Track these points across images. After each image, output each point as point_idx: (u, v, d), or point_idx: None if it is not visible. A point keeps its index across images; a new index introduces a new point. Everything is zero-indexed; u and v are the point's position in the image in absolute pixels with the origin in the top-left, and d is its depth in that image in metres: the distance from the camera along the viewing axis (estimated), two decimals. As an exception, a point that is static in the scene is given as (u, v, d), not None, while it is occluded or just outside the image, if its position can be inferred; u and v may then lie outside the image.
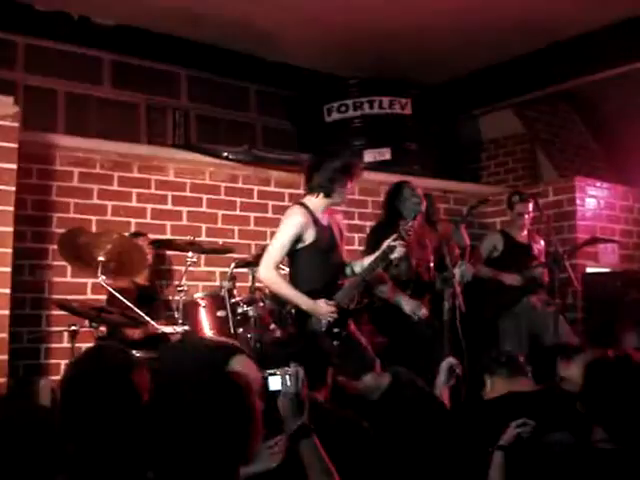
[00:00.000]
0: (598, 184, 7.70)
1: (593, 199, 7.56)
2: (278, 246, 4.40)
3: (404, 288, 5.30)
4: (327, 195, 4.44)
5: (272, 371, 2.73)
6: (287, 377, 2.60)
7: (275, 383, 2.64)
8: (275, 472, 2.43)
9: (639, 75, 7.53)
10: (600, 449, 2.55)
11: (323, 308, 4.29)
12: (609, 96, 8.56)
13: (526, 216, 6.39)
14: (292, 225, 4.39)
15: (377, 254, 4.51)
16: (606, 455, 2.51)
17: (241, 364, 3.38)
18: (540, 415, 3.12)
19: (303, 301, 4.31)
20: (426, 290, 5.52)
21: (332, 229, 4.56)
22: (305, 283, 4.38)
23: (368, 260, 4.58)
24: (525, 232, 6.46)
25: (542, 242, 6.56)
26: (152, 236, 5.75)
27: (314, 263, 4.42)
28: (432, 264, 5.68)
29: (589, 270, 7.11)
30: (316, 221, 4.44)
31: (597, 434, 2.58)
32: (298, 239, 4.39)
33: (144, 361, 2.30)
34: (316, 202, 4.47)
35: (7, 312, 4.66)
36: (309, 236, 4.40)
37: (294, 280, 4.44)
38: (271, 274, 4.38)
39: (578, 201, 7.37)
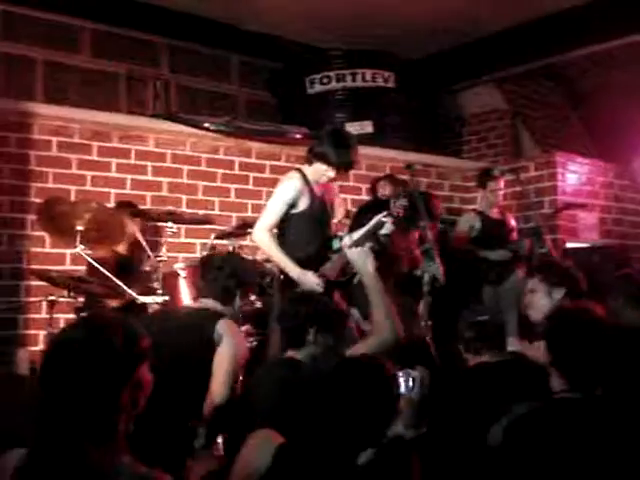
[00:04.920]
0: (579, 160, 7.74)
1: (573, 174, 7.59)
2: (272, 210, 4.42)
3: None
4: (320, 170, 4.41)
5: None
6: (411, 380, 2.54)
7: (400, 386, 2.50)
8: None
9: (620, 51, 7.54)
10: (560, 399, 2.59)
11: (310, 278, 4.29)
12: (591, 72, 8.57)
13: (499, 193, 6.42)
14: (287, 190, 4.40)
15: (366, 228, 4.51)
16: (566, 404, 2.55)
17: (226, 328, 3.40)
18: (506, 385, 3.14)
19: (292, 268, 4.30)
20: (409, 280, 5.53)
21: (325, 200, 4.57)
22: (292, 249, 4.37)
23: (357, 234, 4.59)
24: (497, 209, 6.49)
25: (512, 218, 6.59)
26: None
27: (304, 231, 4.43)
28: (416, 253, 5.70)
29: (569, 245, 7.15)
30: (311, 190, 4.45)
31: (556, 385, 2.62)
32: (292, 204, 4.40)
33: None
34: (312, 172, 4.47)
35: (-15, 282, 4.63)
36: (302, 203, 4.42)
37: (282, 245, 4.42)
38: (264, 236, 4.40)
39: (559, 176, 7.40)
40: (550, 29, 7.61)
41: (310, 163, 4.47)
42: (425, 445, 2.82)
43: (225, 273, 3.61)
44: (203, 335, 3.33)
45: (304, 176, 4.46)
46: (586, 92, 9.30)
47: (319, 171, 4.43)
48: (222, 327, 3.37)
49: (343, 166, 4.41)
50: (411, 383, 2.50)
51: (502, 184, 6.43)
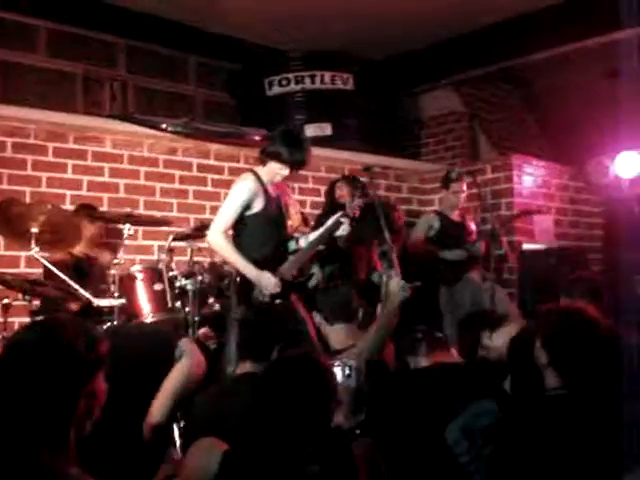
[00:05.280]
0: (534, 162, 7.84)
1: (529, 177, 7.69)
2: (227, 211, 4.39)
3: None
4: (274, 170, 4.41)
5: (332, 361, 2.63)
6: (347, 369, 2.54)
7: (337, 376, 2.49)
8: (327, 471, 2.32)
9: (576, 54, 7.64)
10: (554, 395, 2.65)
11: (268, 279, 4.28)
12: (547, 76, 8.67)
13: (461, 195, 6.49)
14: (242, 191, 4.38)
15: (322, 229, 4.55)
16: (560, 401, 2.61)
17: (188, 347, 3.40)
18: (466, 385, 3.19)
19: (249, 270, 4.28)
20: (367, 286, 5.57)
21: (280, 202, 4.57)
22: (248, 251, 4.35)
23: (313, 235, 4.61)
24: (458, 211, 6.56)
25: (472, 221, 6.67)
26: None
27: (259, 232, 4.42)
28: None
29: (525, 247, 7.24)
30: (266, 190, 4.44)
31: (551, 382, 2.67)
32: (247, 206, 4.38)
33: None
34: (266, 172, 4.45)
35: (-63, 285, 4.54)
36: (257, 204, 4.40)
37: (238, 246, 4.40)
38: (219, 238, 4.36)
39: (515, 178, 7.49)
40: (507, 34, 7.71)
41: (264, 164, 4.46)
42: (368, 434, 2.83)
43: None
44: (166, 351, 3.33)
45: (258, 177, 4.44)
46: (542, 94, 9.42)
47: (273, 170, 4.42)
48: (184, 346, 3.37)
49: (296, 164, 4.40)
50: (347, 372, 2.53)
51: (464, 186, 6.49)
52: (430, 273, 6.31)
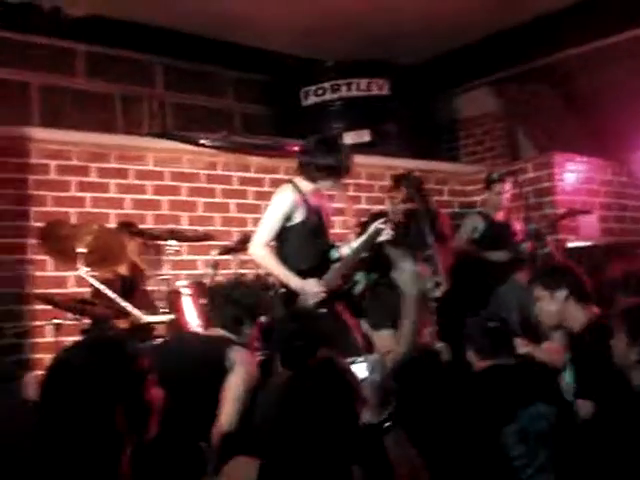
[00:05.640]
0: (577, 159, 7.72)
1: (572, 174, 7.58)
2: (268, 223, 4.38)
3: None
4: (313, 180, 4.42)
5: (354, 359, 2.63)
6: (371, 364, 2.55)
7: (359, 370, 2.53)
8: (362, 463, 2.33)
9: (615, 48, 7.55)
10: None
11: (312, 288, 4.27)
12: (586, 71, 8.56)
13: (505, 195, 6.42)
14: (282, 203, 4.37)
15: (364, 237, 4.52)
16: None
17: (237, 356, 3.41)
18: (523, 388, 3.15)
19: (292, 280, 4.28)
20: None
21: (321, 211, 4.55)
22: (291, 262, 4.35)
23: (355, 243, 4.59)
24: (502, 211, 6.49)
25: (517, 221, 6.57)
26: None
27: (301, 243, 4.40)
28: None
29: (570, 244, 7.14)
30: (306, 201, 4.42)
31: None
32: (287, 217, 4.37)
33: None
34: (306, 182, 4.45)
35: (-11, 308, 4.62)
36: (298, 215, 4.38)
37: (281, 258, 4.40)
38: (261, 251, 4.36)
39: (557, 176, 7.39)
40: (543, 29, 7.64)
41: (303, 174, 4.46)
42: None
43: (232, 303, 3.64)
44: (216, 362, 3.35)
45: (297, 188, 4.43)
46: (581, 90, 9.29)
47: (314, 180, 4.42)
48: (234, 355, 3.38)
49: (338, 172, 4.38)
50: (371, 367, 2.53)
51: (508, 187, 6.43)
52: (475, 275, 6.25)
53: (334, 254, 4.62)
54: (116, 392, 1.86)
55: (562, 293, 3.63)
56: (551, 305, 3.66)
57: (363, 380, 2.52)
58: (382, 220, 4.46)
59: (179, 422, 2.80)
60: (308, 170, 4.40)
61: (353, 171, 5.72)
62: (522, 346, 3.96)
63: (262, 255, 4.38)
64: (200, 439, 3.12)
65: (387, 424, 2.45)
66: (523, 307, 5.97)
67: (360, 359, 2.73)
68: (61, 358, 1.98)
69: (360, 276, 5.03)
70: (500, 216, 6.49)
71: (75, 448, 1.83)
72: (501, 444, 2.95)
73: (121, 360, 1.93)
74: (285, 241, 4.44)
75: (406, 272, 3.68)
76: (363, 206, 6.98)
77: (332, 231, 4.77)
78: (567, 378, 3.45)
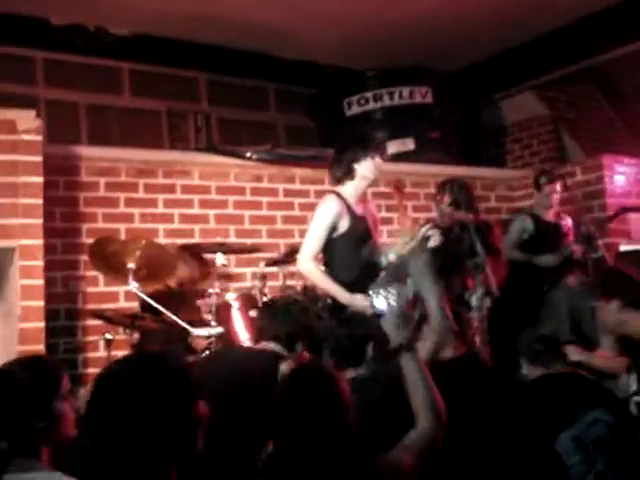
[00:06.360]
0: (626, 161, 7.60)
1: (621, 176, 7.45)
2: (314, 236, 4.37)
3: None
4: (352, 177, 4.43)
5: (375, 291, 2.61)
6: (391, 296, 2.60)
7: (380, 303, 2.60)
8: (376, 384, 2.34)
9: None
10: None
11: (360, 303, 4.24)
12: (630, 72, 8.44)
13: (554, 196, 6.33)
14: (326, 213, 4.36)
15: (412, 244, 4.48)
16: None
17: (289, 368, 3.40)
18: (578, 394, 3.10)
19: (341, 294, 4.24)
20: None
21: (366, 219, 4.54)
22: (340, 272, 4.33)
23: (404, 249, 4.54)
24: (552, 212, 6.40)
25: (569, 220, 6.46)
26: (180, 241, 5.78)
27: (349, 252, 4.38)
28: None
29: (622, 248, 7.02)
30: (350, 210, 4.42)
31: None
32: (333, 228, 4.36)
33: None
34: (348, 190, 4.45)
35: (42, 324, 4.68)
36: (344, 224, 4.37)
37: (329, 269, 4.40)
38: (309, 265, 4.35)
39: (607, 179, 7.27)
40: (586, 30, 7.54)
41: (343, 183, 4.47)
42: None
43: (288, 318, 3.65)
44: (264, 376, 3.35)
45: (340, 197, 4.43)
46: (627, 91, 9.18)
47: (354, 189, 4.44)
48: (285, 370, 3.38)
49: (370, 148, 4.49)
50: (392, 298, 2.57)
51: (558, 187, 6.34)
52: (525, 282, 6.17)
53: (383, 261, 4.60)
54: (161, 407, 1.87)
55: (617, 303, 3.55)
56: (607, 316, 3.58)
57: (384, 310, 2.58)
58: (429, 225, 4.43)
59: (226, 436, 2.79)
60: (346, 174, 4.45)
61: (399, 180, 5.70)
62: (576, 353, 3.89)
63: (310, 269, 4.36)
64: (246, 453, 3.12)
65: (404, 345, 2.46)
66: (574, 312, 5.90)
67: (380, 290, 2.75)
68: (107, 372, 2.01)
69: (410, 282, 5.00)
70: (550, 217, 6.39)
71: (120, 463, 1.84)
72: (557, 452, 2.90)
73: (166, 375, 1.93)
74: (332, 251, 4.42)
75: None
76: (409, 214, 6.94)
77: (381, 240, 4.75)
78: (627, 384, 3.39)
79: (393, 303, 2.56)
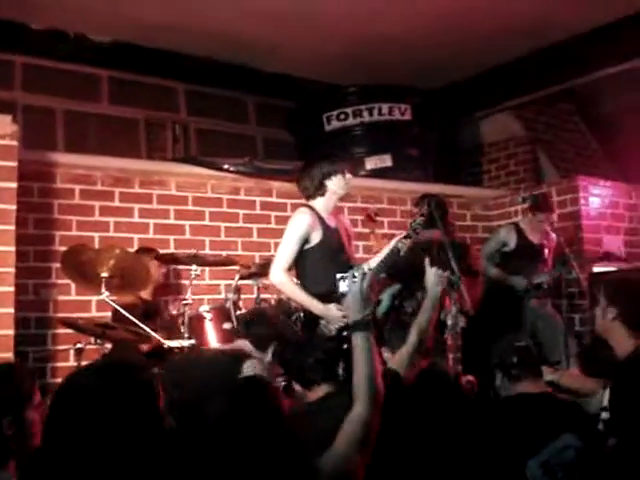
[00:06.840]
0: (601, 183, 7.66)
1: (597, 198, 7.51)
2: (286, 248, 4.38)
3: None
4: (323, 194, 4.45)
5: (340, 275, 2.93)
6: (352, 278, 2.63)
7: (344, 286, 2.67)
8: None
9: (637, 73, 7.51)
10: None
11: (334, 313, 4.24)
12: (608, 94, 8.54)
13: (547, 223, 6.31)
14: (298, 226, 4.37)
15: (383, 255, 4.48)
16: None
17: (253, 368, 3.37)
18: (548, 418, 3.09)
19: (314, 305, 4.26)
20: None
21: (339, 231, 4.55)
22: (312, 284, 4.34)
23: (374, 262, 4.54)
24: (539, 234, 6.36)
25: (554, 237, 6.41)
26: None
27: (321, 264, 4.38)
28: None
29: (596, 269, 7.06)
30: (323, 222, 4.43)
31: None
32: (305, 240, 4.37)
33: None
34: (319, 204, 4.47)
35: (12, 332, 4.62)
36: (316, 236, 4.39)
37: (301, 281, 4.41)
38: (282, 277, 4.35)
39: (582, 201, 7.32)
40: (565, 54, 7.62)
41: (314, 197, 4.48)
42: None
43: (258, 323, 3.64)
44: (228, 374, 3.31)
45: (313, 209, 4.44)
46: (604, 114, 9.27)
47: (325, 202, 4.45)
48: (252, 366, 3.35)
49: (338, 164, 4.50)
50: (354, 277, 2.63)
51: (554, 218, 6.41)
52: (496, 300, 6.20)
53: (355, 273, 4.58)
54: (121, 416, 1.84)
55: (613, 310, 3.49)
56: (600, 317, 3.52)
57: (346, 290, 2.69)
58: (399, 237, 4.44)
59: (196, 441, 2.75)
60: (313, 188, 4.46)
61: (376, 195, 5.70)
62: (548, 373, 3.89)
63: (282, 281, 4.36)
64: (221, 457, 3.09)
65: (360, 322, 2.50)
66: (535, 334, 5.96)
67: (345, 275, 2.81)
68: (68, 381, 1.97)
69: (384, 296, 4.99)
70: (535, 237, 6.36)
71: (77, 473, 1.80)
72: (525, 477, 2.89)
73: (128, 384, 1.91)
74: (304, 263, 4.43)
75: (432, 272, 3.64)
76: (385, 231, 6.94)
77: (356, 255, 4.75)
78: (597, 405, 3.37)
79: (355, 282, 2.60)
